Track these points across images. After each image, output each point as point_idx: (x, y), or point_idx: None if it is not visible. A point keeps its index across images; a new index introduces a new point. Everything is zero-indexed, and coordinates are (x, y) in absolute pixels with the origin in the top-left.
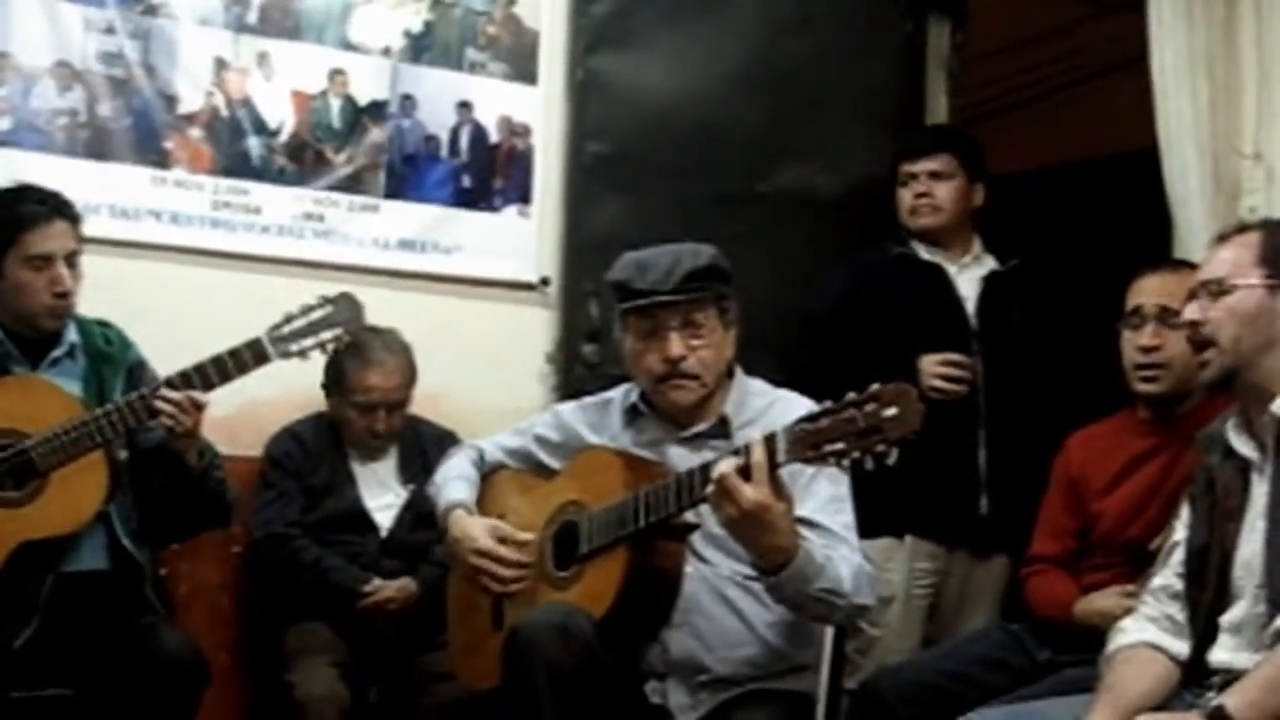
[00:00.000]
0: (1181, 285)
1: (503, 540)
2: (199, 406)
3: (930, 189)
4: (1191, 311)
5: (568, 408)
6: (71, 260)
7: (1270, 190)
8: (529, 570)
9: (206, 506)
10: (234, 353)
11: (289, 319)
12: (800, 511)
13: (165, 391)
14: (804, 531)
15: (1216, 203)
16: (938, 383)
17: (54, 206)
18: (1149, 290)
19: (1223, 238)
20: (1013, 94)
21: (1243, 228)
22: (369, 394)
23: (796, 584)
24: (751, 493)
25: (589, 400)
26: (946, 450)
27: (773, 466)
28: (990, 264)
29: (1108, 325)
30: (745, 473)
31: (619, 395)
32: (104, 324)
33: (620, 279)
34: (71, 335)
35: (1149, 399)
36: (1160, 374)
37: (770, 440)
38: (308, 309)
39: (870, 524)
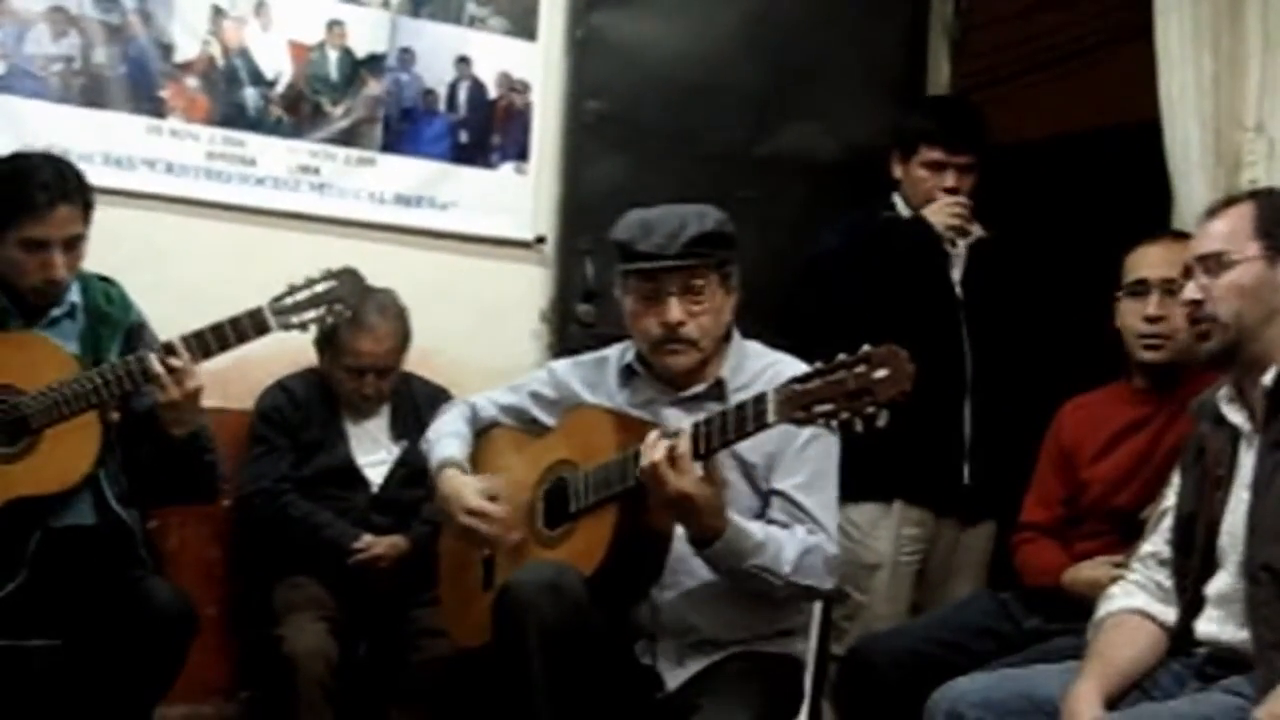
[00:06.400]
0: (1184, 256)
1: (493, 499)
2: (180, 380)
3: (960, 184)
4: (1192, 291)
5: (563, 364)
6: (72, 244)
7: (1271, 163)
8: (520, 529)
9: (188, 482)
10: (235, 321)
11: (292, 290)
12: (778, 484)
13: (155, 357)
14: (775, 503)
15: (1217, 175)
16: (954, 220)
17: (60, 192)
18: (1152, 261)
19: (1212, 211)
20: (1015, 63)
21: (1231, 200)
22: (359, 358)
23: (726, 559)
24: (675, 481)
25: (585, 357)
26: (932, 417)
27: (702, 455)
28: (977, 232)
29: (1101, 296)
30: (672, 461)
31: (615, 354)
32: (107, 280)
33: (623, 239)
34: (73, 295)
35: (1150, 366)
36: (1164, 342)
37: (698, 427)
38: (311, 281)
39: (858, 488)
